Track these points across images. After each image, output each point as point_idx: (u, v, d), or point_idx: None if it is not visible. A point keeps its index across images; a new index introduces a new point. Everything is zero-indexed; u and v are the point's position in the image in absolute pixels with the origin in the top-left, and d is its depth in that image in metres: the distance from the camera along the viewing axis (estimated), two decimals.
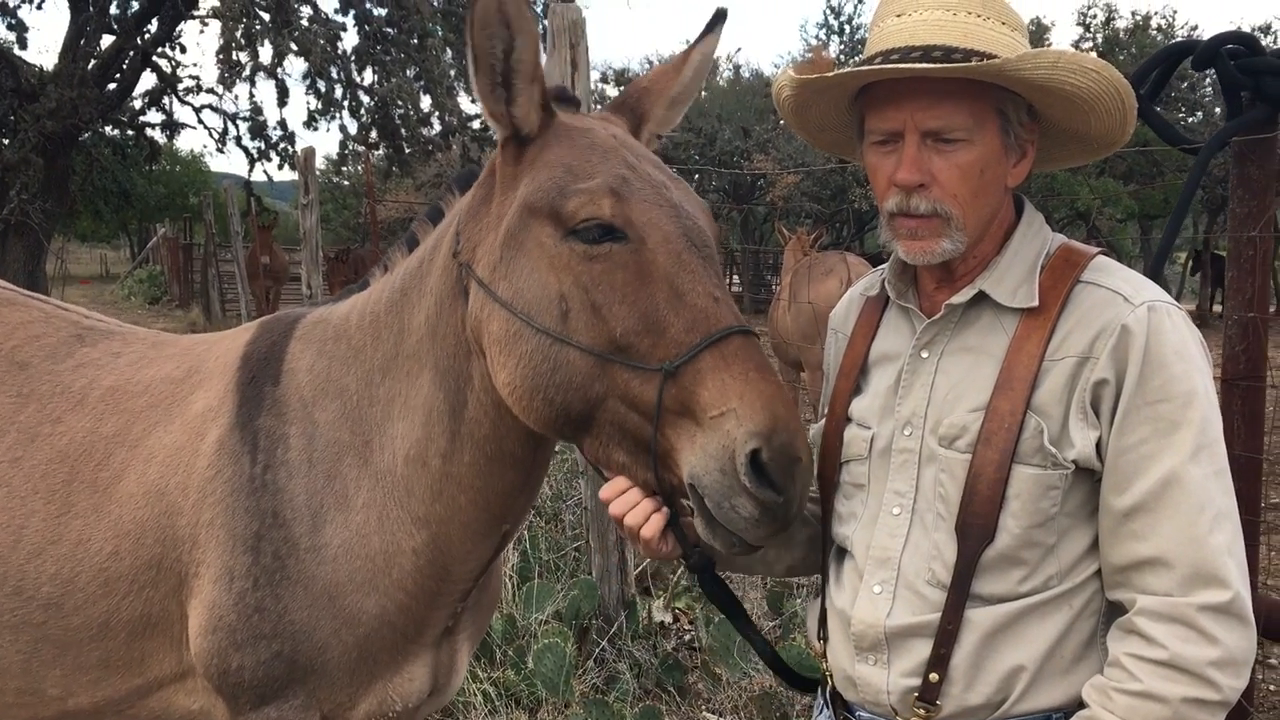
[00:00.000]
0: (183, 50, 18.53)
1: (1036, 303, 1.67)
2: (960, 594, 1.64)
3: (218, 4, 14.17)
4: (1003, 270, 1.72)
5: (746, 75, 34.24)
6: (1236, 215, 2.77)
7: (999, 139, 1.68)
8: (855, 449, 1.83)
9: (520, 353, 1.79)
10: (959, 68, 1.57)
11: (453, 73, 15.02)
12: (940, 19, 1.64)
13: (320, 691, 2.09)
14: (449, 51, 14.93)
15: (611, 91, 28.90)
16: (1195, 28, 28.42)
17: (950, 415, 1.69)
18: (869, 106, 1.72)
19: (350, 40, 16.57)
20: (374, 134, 16.48)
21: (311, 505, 2.07)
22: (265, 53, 14.64)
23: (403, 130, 16.09)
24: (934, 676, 1.65)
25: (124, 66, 15.57)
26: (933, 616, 1.66)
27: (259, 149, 17.27)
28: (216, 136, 18.28)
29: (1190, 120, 23.41)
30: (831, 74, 1.68)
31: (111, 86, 15.51)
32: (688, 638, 4.88)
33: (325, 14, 14.76)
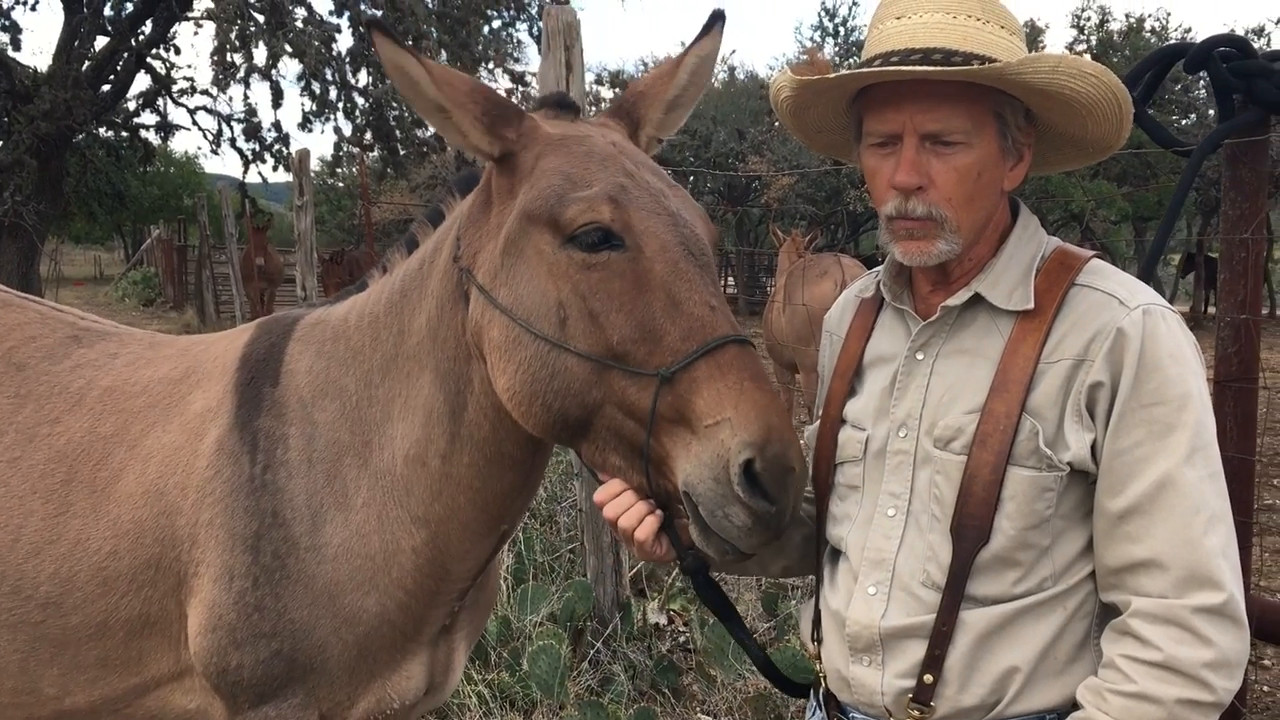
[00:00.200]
0: (177, 52, 18.51)
1: (1032, 305, 1.67)
2: (955, 595, 1.64)
3: (212, 5, 14.14)
4: (998, 273, 1.72)
5: (741, 77, 34.26)
6: (1229, 217, 2.77)
7: (997, 142, 1.68)
8: (850, 450, 1.83)
9: (520, 359, 1.81)
10: (960, 71, 1.58)
11: None
12: (940, 22, 1.65)
13: (319, 690, 2.10)
14: (444, 53, 14.93)
15: (607, 93, 28.89)
16: (1189, 30, 28.50)
17: (945, 417, 1.69)
18: (867, 108, 1.73)
19: (345, 42, 16.56)
20: (369, 135, 16.48)
21: (311, 505, 2.08)
22: (260, 54, 14.63)
23: (397, 132, 16.10)
24: (928, 678, 1.65)
25: (118, 68, 15.54)
26: (927, 618, 1.66)
27: (253, 150, 17.26)
28: (211, 138, 18.27)
29: (1184, 122, 23.45)
30: (833, 75, 1.68)
31: (106, 88, 15.48)
32: (682, 639, 4.89)
33: (320, 16, 14.76)
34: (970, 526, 1.63)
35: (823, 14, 34.64)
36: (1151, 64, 2.81)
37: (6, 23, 14.49)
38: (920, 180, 1.65)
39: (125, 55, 15.44)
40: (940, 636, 1.65)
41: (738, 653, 4.38)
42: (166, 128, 18.50)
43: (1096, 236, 25.40)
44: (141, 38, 15.60)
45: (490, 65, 16.05)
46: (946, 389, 1.72)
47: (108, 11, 15.11)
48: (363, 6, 14.81)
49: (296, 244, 8.28)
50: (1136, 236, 28.05)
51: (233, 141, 18.06)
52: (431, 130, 16.14)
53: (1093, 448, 1.60)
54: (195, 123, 18.73)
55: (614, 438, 1.76)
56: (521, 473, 2.07)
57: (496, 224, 1.91)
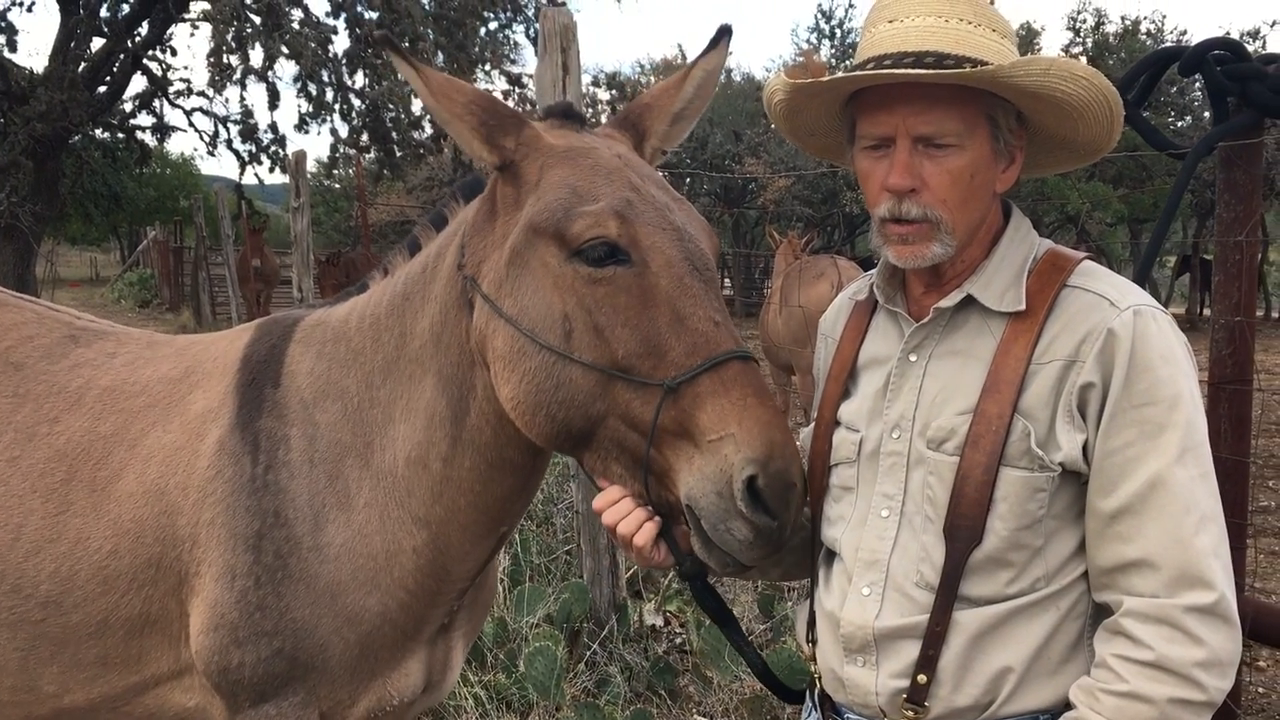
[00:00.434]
0: (173, 53, 18.42)
1: (1024, 307, 1.68)
2: (948, 596, 1.65)
3: (209, 7, 14.13)
4: (990, 274, 1.73)
5: (738, 79, 34.29)
6: (1223, 220, 2.78)
7: (989, 145, 1.69)
8: (844, 452, 1.84)
9: (524, 369, 1.82)
10: (952, 74, 1.59)
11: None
12: (932, 25, 1.66)
13: (320, 689, 2.11)
14: (440, 55, 14.92)
15: (603, 95, 28.86)
16: (1184, 33, 28.54)
17: (938, 418, 1.70)
18: (860, 111, 1.73)
19: (341, 43, 16.54)
20: (365, 137, 16.45)
21: (313, 505, 2.09)
22: (256, 56, 14.61)
23: (394, 133, 16.07)
24: (922, 678, 1.66)
25: (114, 69, 15.52)
26: (921, 618, 1.67)
27: (250, 152, 17.22)
28: (207, 139, 18.23)
29: (1179, 124, 23.47)
30: (825, 79, 1.69)
31: (102, 89, 15.45)
32: (679, 641, 4.89)
33: (316, 17, 14.73)
34: (963, 527, 1.64)
35: (819, 16, 34.71)
36: (1147, 66, 2.82)
37: (2, 24, 14.45)
38: (913, 183, 1.66)
39: (121, 56, 15.42)
40: (934, 637, 1.65)
41: (734, 654, 4.38)
42: (163, 129, 18.47)
43: (1092, 238, 25.42)
44: (138, 39, 15.57)
45: (487, 67, 16.04)
46: (939, 390, 1.72)
47: (104, 13, 15.08)
48: (359, 8, 14.80)
49: (293, 245, 8.29)
50: (1132, 239, 28.09)
51: (229, 143, 18.03)
52: (428, 132, 16.19)
53: (1084, 448, 1.61)
54: (191, 124, 18.72)
55: (616, 448, 1.78)
56: (521, 477, 2.09)
57: (502, 234, 1.93)
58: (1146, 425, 1.57)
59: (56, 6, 14.83)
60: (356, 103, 15.90)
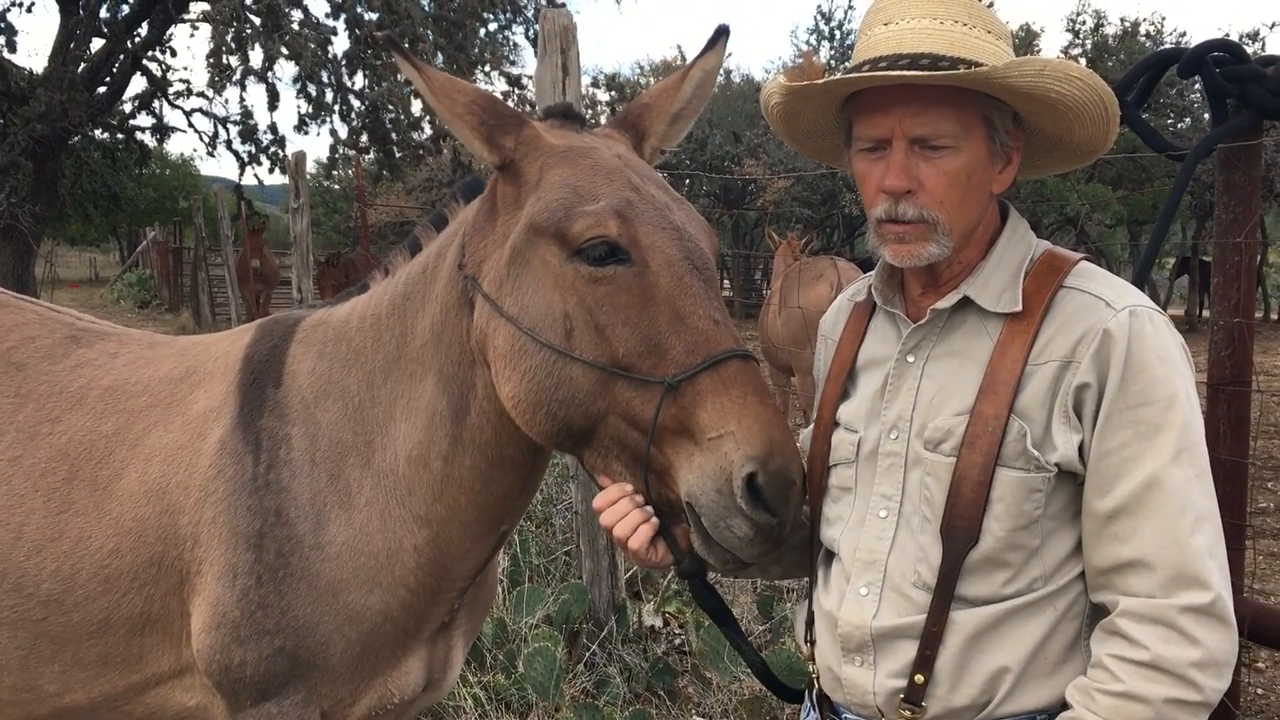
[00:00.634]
0: (173, 54, 18.37)
1: (1020, 308, 1.69)
2: (945, 596, 1.65)
3: (208, 8, 14.12)
4: (987, 275, 1.74)
5: (737, 80, 34.27)
6: (1222, 221, 2.79)
7: (985, 146, 1.70)
8: (842, 453, 1.84)
9: (525, 368, 1.83)
10: (948, 75, 1.59)
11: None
12: (928, 28, 1.66)
13: (322, 687, 2.12)
14: (440, 56, 14.92)
15: (603, 96, 28.86)
16: (1184, 34, 28.55)
17: (935, 419, 1.71)
18: (857, 113, 1.74)
19: (341, 44, 16.53)
20: (365, 138, 16.44)
21: (315, 504, 2.10)
22: (256, 56, 14.59)
23: (393, 134, 16.06)
24: (919, 678, 1.66)
25: (114, 70, 15.51)
26: (918, 618, 1.67)
27: (249, 153, 17.21)
28: (207, 140, 18.21)
29: (1179, 126, 23.47)
30: (821, 81, 1.70)
31: (101, 90, 15.44)
32: (678, 642, 4.89)
33: (316, 18, 14.72)
34: (959, 527, 1.64)
35: (818, 17, 34.67)
36: (1146, 68, 2.83)
37: (2, 24, 14.44)
38: (909, 184, 1.66)
39: (121, 57, 15.41)
40: (931, 637, 1.66)
41: (733, 655, 4.38)
42: (162, 130, 18.46)
43: (1091, 240, 25.44)
44: (138, 40, 15.56)
45: (486, 68, 16.04)
46: (936, 391, 1.73)
47: (104, 13, 15.07)
48: (359, 10, 14.79)
49: (292, 246, 8.30)
50: (1131, 240, 28.09)
51: (229, 144, 18.01)
52: (428, 133, 16.19)
53: (1080, 449, 1.61)
54: (191, 125, 18.74)
55: (617, 446, 1.79)
56: (522, 475, 2.10)
57: (502, 234, 1.94)
58: (1142, 425, 1.57)
59: (56, 7, 14.83)
60: (356, 104, 15.90)
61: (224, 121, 17.96)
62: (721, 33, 2.14)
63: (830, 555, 1.86)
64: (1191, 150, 2.73)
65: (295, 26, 13.97)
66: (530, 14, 16.04)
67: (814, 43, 31.06)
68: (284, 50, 13.89)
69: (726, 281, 29.42)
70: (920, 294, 1.81)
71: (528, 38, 16.92)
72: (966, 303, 1.73)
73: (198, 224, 21.60)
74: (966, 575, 1.65)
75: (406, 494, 2.10)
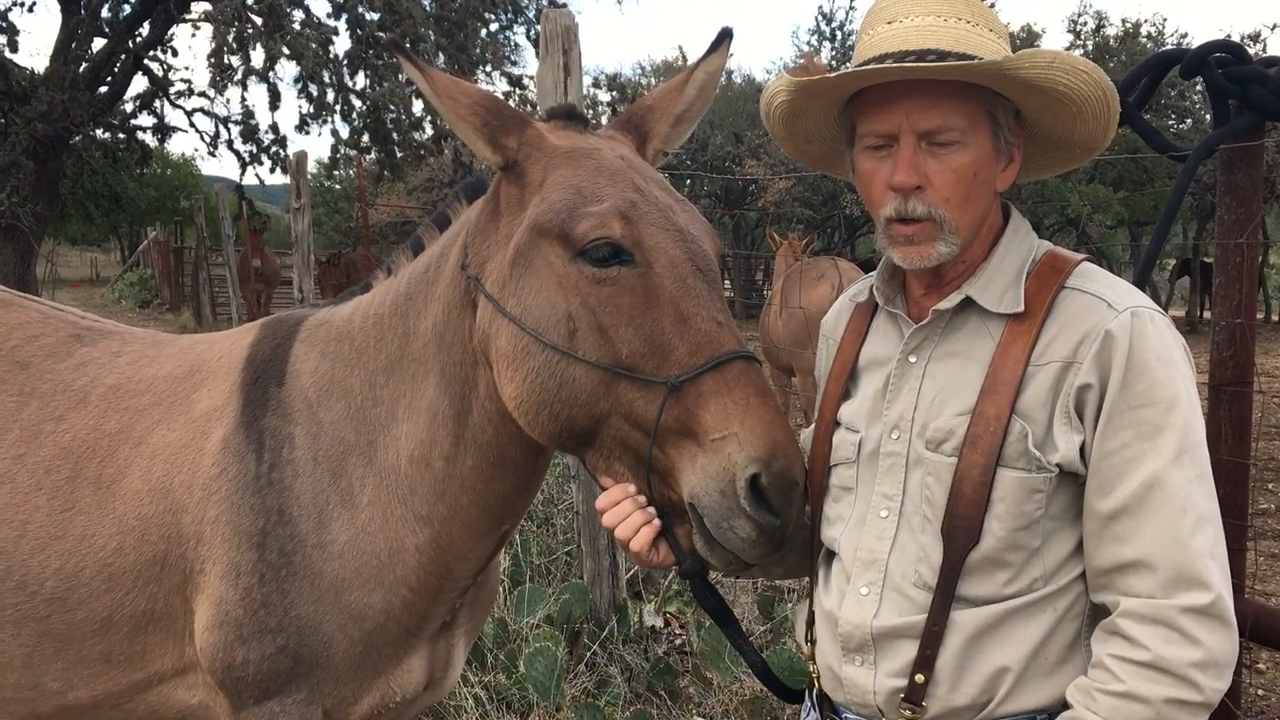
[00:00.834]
0: (174, 54, 18.40)
1: (1022, 308, 1.69)
2: (946, 596, 1.65)
3: (210, 8, 14.12)
4: (989, 276, 1.74)
5: (739, 81, 34.32)
6: (1224, 222, 2.78)
7: (990, 142, 1.70)
8: (843, 453, 1.84)
9: (528, 368, 1.83)
10: (959, 66, 1.59)
11: None
12: (931, 25, 1.66)
13: (324, 686, 2.13)
14: (441, 56, 14.92)
15: (604, 96, 28.85)
16: (1185, 36, 28.51)
17: (937, 419, 1.71)
18: (861, 111, 1.74)
19: (342, 44, 16.54)
20: (366, 138, 16.45)
21: (317, 503, 2.11)
22: (257, 57, 14.60)
23: (394, 134, 16.06)
24: (920, 678, 1.66)
25: (115, 70, 15.53)
26: (919, 618, 1.67)
27: (250, 152, 17.22)
28: (208, 140, 18.22)
29: (1180, 127, 23.45)
30: (832, 75, 1.69)
31: (103, 90, 15.46)
32: (679, 642, 4.89)
33: (317, 18, 14.73)
34: (960, 528, 1.64)
35: (820, 18, 34.70)
36: (1148, 69, 2.83)
37: (3, 24, 14.45)
38: (918, 179, 1.66)
39: (123, 57, 15.43)
40: (931, 637, 1.66)
41: (734, 655, 4.38)
42: (163, 129, 18.47)
43: (1092, 241, 25.44)
44: (139, 40, 15.58)
45: (488, 68, 16.04)
46: (938, 391, 1.73)
47: (105, 13, 15.10)
48: (361, 10, 14.79)
49: (293, 246, 8.30)
50: (1132, 241, 28.11)
51: (230, 144, 18.02)
52: (429, 133, 16.19)
53: (1082, 449, 1.61)
54: (192, 125, 18.78)
55: (619, 447, 1.80)
56: (523, 475, 2.10)
57: (505, 234, 1.94)
58: (1143, 426, 1.57)
59: (58, 7, 14.85)
60: (357, 104, 15.90)
61: (225, 121, 17.97)
62: (725, 35, 2.14)
63: (831, 555, 1.86)
64: (1193, 151, 2.73)
65: (296, 27, 13.98)
66: (531, 14, 16.05)
67: (815, 43, 31.05)
68: (285, 50, 13.90)
69: (727, 282, 29.41)
70: (922, 294, 1.82)
71: (529, 38, 16.94)
72: (968, 303, 1.73)
73: (199, 224, 21.61)
74: (967, 575, 1.65)
75: (408, 493, 2.10)
